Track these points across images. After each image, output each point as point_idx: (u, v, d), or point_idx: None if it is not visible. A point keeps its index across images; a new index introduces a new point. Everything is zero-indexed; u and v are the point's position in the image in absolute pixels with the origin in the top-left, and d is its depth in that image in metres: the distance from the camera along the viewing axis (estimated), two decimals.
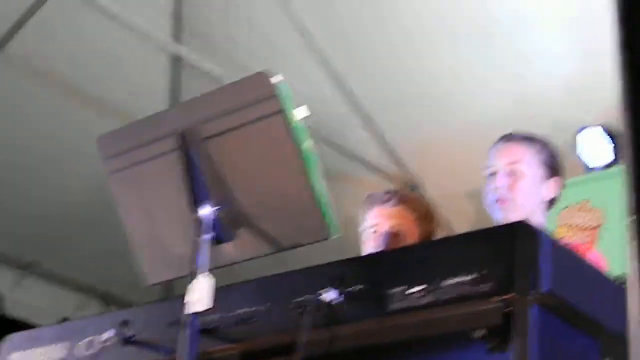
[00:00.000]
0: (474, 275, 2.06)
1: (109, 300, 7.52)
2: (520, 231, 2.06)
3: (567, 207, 5.48)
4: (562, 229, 5.49)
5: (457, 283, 2.08)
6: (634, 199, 0.88)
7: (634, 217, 0.88)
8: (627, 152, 0.89)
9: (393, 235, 3.48)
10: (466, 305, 2.06)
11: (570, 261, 2.14)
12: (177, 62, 6.33)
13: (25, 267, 7.19)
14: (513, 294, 2.00)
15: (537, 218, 3.11)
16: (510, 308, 2.00)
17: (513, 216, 3.06)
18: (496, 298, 2.02)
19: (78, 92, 6.21)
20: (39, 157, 6.50)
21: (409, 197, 3.63)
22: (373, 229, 3.53)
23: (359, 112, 6.28)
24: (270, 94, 2.33)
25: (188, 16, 6.15)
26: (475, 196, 5.96)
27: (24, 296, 7.18)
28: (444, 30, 5.75)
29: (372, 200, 3.59)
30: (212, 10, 6.11)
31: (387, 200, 3.55)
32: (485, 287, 2.04)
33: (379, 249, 3.42)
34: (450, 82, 5.96)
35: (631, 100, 0.88)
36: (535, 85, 5.78)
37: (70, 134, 6.30)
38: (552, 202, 3.25)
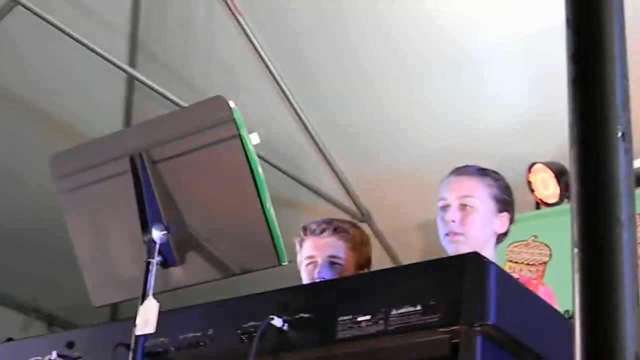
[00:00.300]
0: (422, 306, 2.08)
1: (54, 322, 7.44)
2: (469, 263, 2.08)
3: (515, 242, 5.52)
4: (510, 263, 5.53)
5: (406, 313, 2.09)
6: (579, 231, 0.90)
7: (579, 249, 0.90)
8: (573, 184, 0.90)
9: (330, 266, 3.49)
10: (414, 335, 2.07)
11: (518, 294, 2.16)
12: (131, 84, 6.30)
13: None
14: (460, 325, 2.01)
15: (488, 252, 3.13)
16: (457, 339, 2.01)
17: (464, 249, 3.07)
18: (443, 329, 2.03)
19: (30, 110, 6.16)
20: None
21: (343, 226, 3.61)
22: (309, 260, 3.53)
23: (314, 142, 6.30)
24: (227, 118, 2.34)
25: (144, 40, 6.13)
26: (425, 228, 6.03)
27: None
28: (396, 66, 5.80)
29: (307, 232, 3.59)
30: (170, 35, 6.11)
31: (322, 232, 3.55)
32: (433, 317, 2.05)
33: (316, 280, 3.42)
34: (402, 117, 6.01)
35: (579, 135, 0.89)
36: (487, 121, 5.84)
37: (20, 153, 6.25)
38: (502, 236, 3.27)
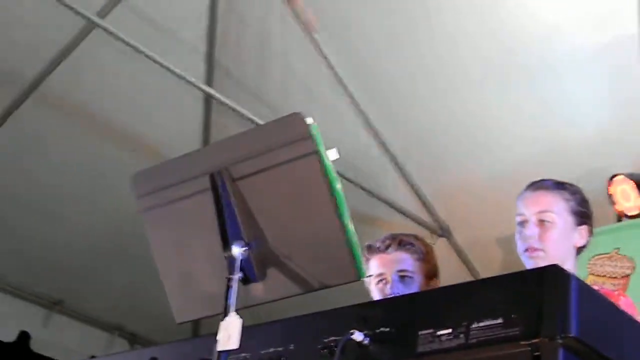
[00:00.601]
0: (503, 319, 2.07)
1: (136, 340, 7.53)
2: (550, 275, 2.07)
3: (597, 255, 5.45)
4: (592, 277, 5.46)
5: (486, 326, 2.08)
6: None
7: None
8: None
9: (401, 280, 3.50)
10: (495, 348, 2.06)
11: (599, 306, 2.14)
12: (209, 103, 6.37)
13: (53, 306, 7.21)
14: (541, 338, 2.00)
15: (569, 265, 3.10)
16: (539, 352, 2.00)
17: (544, 264, 3.06)
18: (525, 342, 2.02)
19: (110, 131, 6.26)
20: (69, 195, 6.55)
21: (408, 239, 3.62)
22: (379, 277, 3.54)
23: (390, 158, 6.29)
24: (305, 135, 2.35)
25: (221, 58, 6.20)
26: (504, 242, 5.98)
27: (52, 335, 7.20)
28: (470, 77, 5.77)
29: (372, 250, 3.60)
30: (246, 52, 6.17)
31: (387, 248, 3.56)
32: (514, 330, 2.04)
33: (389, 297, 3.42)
34: (478, 129, 5.98)
35: None
36: (565, 132, 5.78)
37: (101, 172, 6.35)
38: (581, 249, 3.24)
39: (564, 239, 3.16)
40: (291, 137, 2.37)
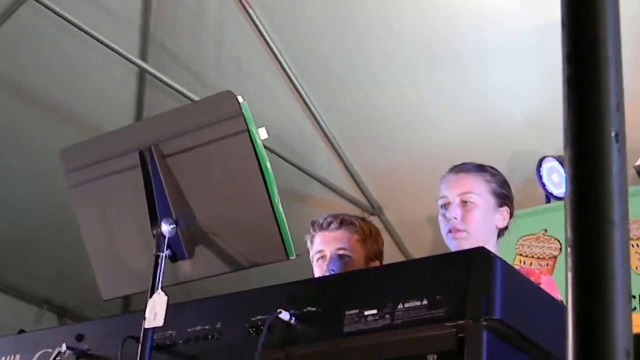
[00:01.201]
0: (428, 300, 2.09)
1: (65, 314, 7.48)
2: (475, 258, 2.09)
3: (525, 236, 5.53)
4: (520, 257, 5.53)
5: (412, 307, 2.11)
6: (572, 231, 0.91)
7: (571, 249, 0.91)
8: (567, 184, 0.92)
9: (339, 259, 3.51)
10: (420, 329, 2.09)
11: (523, 288, 2.18)
12: (143, 78, 6.32)
13: None
14: (466, 320, 2.03)
15: (491, 246, 3.14)
16: (463, 334, 2.03)
17: (467, 245, 3.09)
18: (449, 323, 2.05)
19: (41, 104, 6.19)
20: None
21: (350, 219, 3.63)
22: (319, 254, 3.56)
23: (324, 135, 6.31)
24: (235, 113, 2.35)
25: (156, 32, 6.15)
26: (435, 221, 6.01)
27: None
28: (404, 60, 5.80)
29: (316, 227, 3.62)
30: (181, 27, 6.12)
31: (329, 225, 3.58)
32: (439, 312, 2.07)
33: (327, 274, 3.44)
34: (411, 111, 6.02)
35: (572, 135, 0.91)
36: (497, 116, 5.84)
37: (33, 146, 6.28)
38: (503, 230, 3.29)
39: (486, 220, 3.19)
40: (222, 115, 2.37)
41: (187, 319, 2.46)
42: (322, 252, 3.54)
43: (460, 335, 2.03)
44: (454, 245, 3.16)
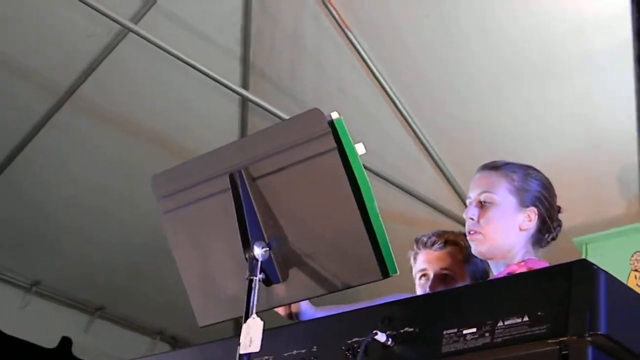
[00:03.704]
0: (529, 317, 2.00)
1: (177, 344, 7.53)
2: (577, 270, 1.99)
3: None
4: (636, 273, 5.34)
5: (512, 325, 2.02)
6: None
7: None
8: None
9: (442, 278, 3.41)
10: (521, 347, 1.99)
11: (628, 301, 2.06)
12: (245, 105, 6.34)
13: (95, 312, 7.26)
14: (569, 336, 1.93)
15: (517, 250, 2.97)
16: (567, 351, 1.93)
17: (483, 248, 2.96)
18: (552, 340, 1.95)
19: (147, 136, 6.26)
20: (109, 200, 6.57)
21: (455, 238, 3.51)
22: (421, 273, 3.47)
23: (429, 155, 6.22)
24: (325, 131, 2.29)
25: (256, 60, 6.16)
26: None
27: (94, 340, 7.23)
28: (507, 74, 5.67)
29: (420, 244, 3.52)
30: (280, 54, 6.13)
31: (433, 244, 3.48)
32: (541, 329, 1.97)
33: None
34: (515, 126, 5.89)
35: None
36: (604, 128, 5.65)
37: (141, 177, 6.33)
38: (540, 235, 3.05)
39: (505, 222, 2.98)
40: (310, 133, 2.31)
41: (283, 343, 2.41)
42: (425, 271, 3.46)
43: (563, 352, 1.94)
44: (472, 247, 3.01)
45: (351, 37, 5.80)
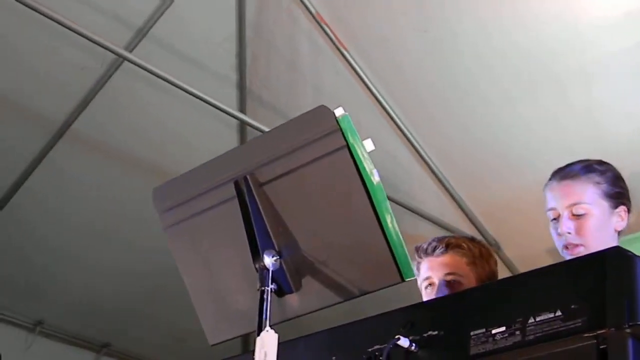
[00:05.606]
0: (562, 311, 1.88)
1: None
2: (611, 259, 1.87)
3: None
4: None
5: (545, 320, 1.89)
6: None
7: None
8: None
9: (449, 285, 3.25)
10: (556, 344, 1.87)
11: None
12: (243, 130, 6.25)
13: (101, 349, 7.23)
14: (607, 329, 1.81)
15: None
16: (605, 344, 1.81)
17: None
18: (589, 334, 1.84)
19: (145, 166, 6.16)
20: (108, 236, 6.48)
21: (457, 241, 3.36)
22: (427, 282, 3.31)
23: (433, 174, 6.13)
24: (333, 129, 2.18)
25: (252, 84, 6.07)
26: (556, 253, 5.74)
27: None
28: (515, 87, 5.57)
29: (420, 253, 3.36)
30: (277, 77, 6.04)
31: (434, 249, 3.32)
32: (576, 322, 1.85)
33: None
34: (519, 141, 5.80)
35: None
36: (606, 138, 5.55)
37: (138, 210, 6.22)
38: (621, 231, 3.00)
39: (603, 228, 2.92)
40: (317, 132, 2.20)
41: (300, 355, 2.29)
42: (430, 280, 3.28)
43: (602, 346, 1.81)
44: None
45: (347, 56, 5.71)
